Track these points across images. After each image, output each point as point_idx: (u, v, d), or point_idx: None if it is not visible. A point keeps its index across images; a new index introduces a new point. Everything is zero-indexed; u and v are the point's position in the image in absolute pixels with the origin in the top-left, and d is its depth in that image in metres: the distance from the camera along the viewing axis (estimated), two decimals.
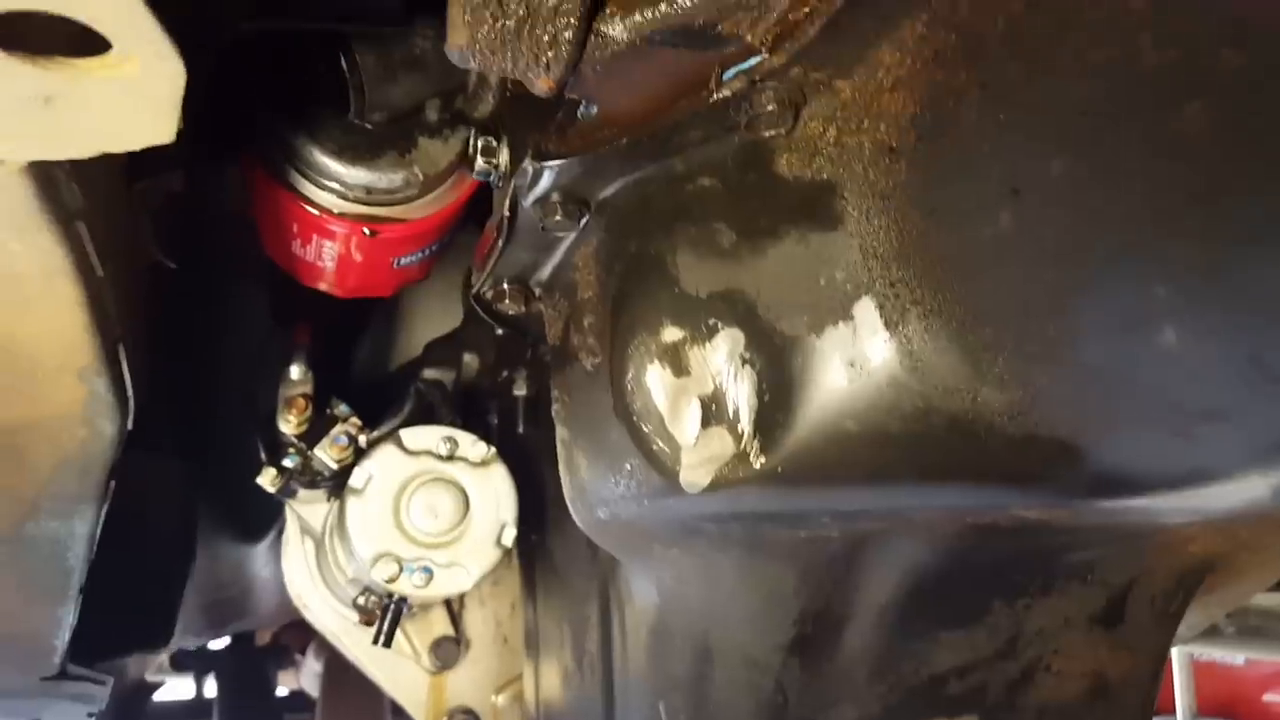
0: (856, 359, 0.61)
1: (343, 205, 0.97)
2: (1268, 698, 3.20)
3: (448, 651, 1.48)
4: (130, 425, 0.86)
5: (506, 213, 0.77)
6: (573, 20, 0.53)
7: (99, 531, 0.98)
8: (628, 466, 0.76)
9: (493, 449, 1.22)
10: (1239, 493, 0.64)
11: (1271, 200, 0.45)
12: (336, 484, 1.25)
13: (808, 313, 0.63)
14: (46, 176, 0.57)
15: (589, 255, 0.80)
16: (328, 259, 1.04)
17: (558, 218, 0.74)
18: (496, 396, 1.38)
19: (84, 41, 0.44)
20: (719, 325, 0.68)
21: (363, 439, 1.22)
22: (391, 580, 1.16)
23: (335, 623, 1.44)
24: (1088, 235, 0.49)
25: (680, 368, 0.70)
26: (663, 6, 0.54)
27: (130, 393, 0.83)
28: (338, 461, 1.21)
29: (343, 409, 1.24)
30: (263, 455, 1.23)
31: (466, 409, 1.33)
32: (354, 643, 1.45)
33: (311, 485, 1.25)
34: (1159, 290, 0.49)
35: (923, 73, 0.53)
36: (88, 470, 0.89)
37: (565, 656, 1.29)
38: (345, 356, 1.55)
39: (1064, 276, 0.51)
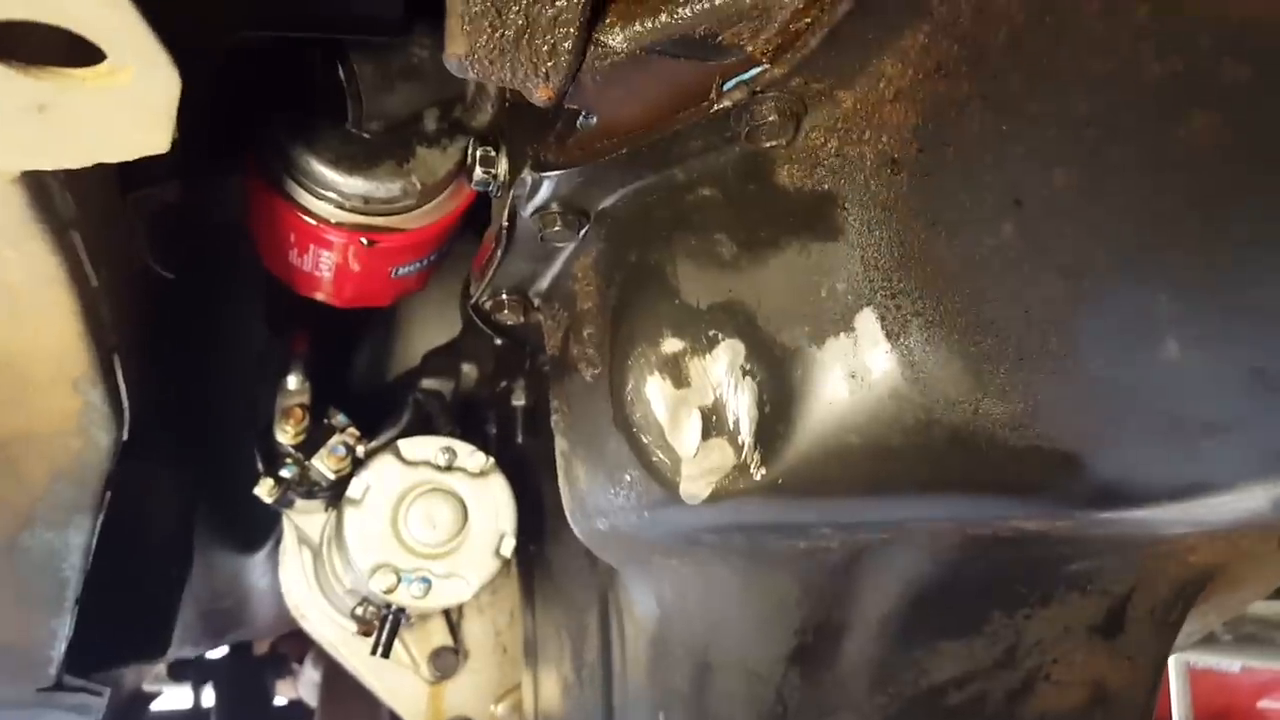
0: (858, 370, 0.61)
1: (340, 215, 0.96)
2: (1262, 704, 3.20)
3: (446, 661, 1.47)
4: (126, 435, 0.85)
5: (505, 223, 0.76)
6: (572, 30, 0.52)
7: (95, 542, 0.97)
8: (627, 478, 0.76)
9: (491, 459, 1.21)
10: (1240, 503, 0.63)
11: (1274, 211, 0.44)
12: (334, 494, 1.25)
13: (809, 324, 0.63)
14: (40, 186, 0.57)
15: (588, 266, 0.79)
16: (325, 269, 1.04)
17: (557, 228, 0.74)
18: (494, 406, 1.38)
19: (78, 51, 0.44)
20: (719, 336, 0.67)
21: (360, 449, 1.22)
22: (390, 591, 1.15)
23: (333, 633, 1.43)
24: (1090, 246, 0.49)
25: (680, 379, 0.70)
26: (663, 17, 0.54)
27: (126, 403, 0.82)
28: (335, 472, 1.20)
29: (340, 419, 1.23)
30: (260, 466, 1.23)
31: (464, 419, 1.32)
32: (352, 653, 1.45)
33: (309, 495, 1.25)
34: (1162, 302, 0.48)
35: (925, 83, 0.53)
36: (83, 481, 0.89)
37: (564, 666, 1.29)
38: (342, 365, 1.54)
39: (1067, 287, 0.51)
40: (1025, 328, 0.54)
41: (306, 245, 1.01)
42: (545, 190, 0.71)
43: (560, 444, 0.88)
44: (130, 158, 0.49)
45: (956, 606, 0.84)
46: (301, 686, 2.44)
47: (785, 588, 0.81)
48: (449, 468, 1.20)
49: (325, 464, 1.21)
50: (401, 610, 1.19)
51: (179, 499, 1.41)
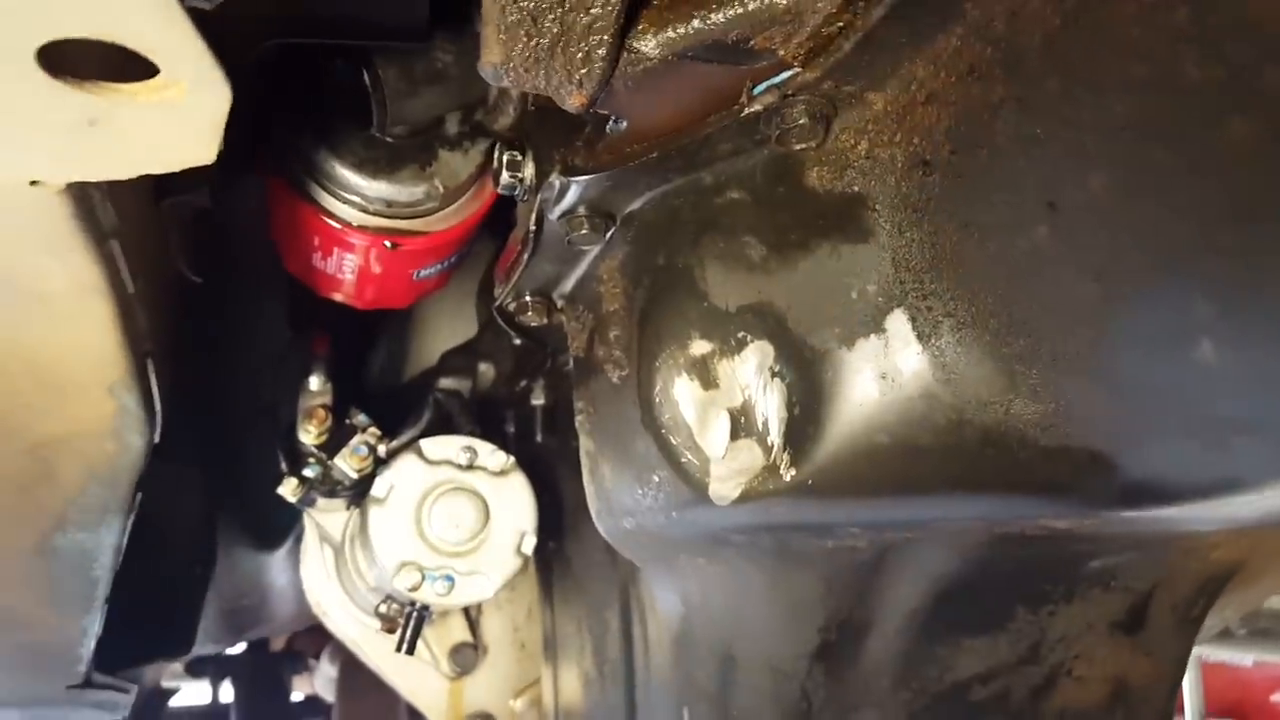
0: (888, 372, 0.61)
1: (363, 218, 0.97)
2: (1275, 698, 3.20)
3: (466, 657, 1.48)
4: (158, 438, 0.86)
5: (533, 226, 0.77)
6: (606, 37, 0.53)
7: (125, 542, 0.98)
8: (655, 478, 0.76)
9: (511, 458, 1.22)
10: (1268, 502, 0.64)
11: None
12: (356, 493, 1.26)
13: (839, 325, 0.63)
14: (83, 196, 0.57)
15: (614, 268, 0.80)
16: (347, 271, 1.05)
17: (584, 231, 0.74)
18: (513, 405, 1.39)
19: (129, 64, 0.44)
20: (748, 338, 0.68)
21: (382, 449, 1.23)
22: (414, 589, 1.16)
23: (355, 630, 1.45)
24: (1126, 249, 0.49)
25: (709, 380, 0.70)
26: (696, 22, 0.54)
27: (159, 406, 0.83)
28: (358, 471, 1.21)
29: (361, 419, 1.24)
30: (283, 466, 1.24)
31: (483, 417, 1.33)
32: (373, 649, 1.46)
33: (331, 495, 1.26)
34: (1197, 304, 0.48)
35: (957, 86, 0.54)
36: (115, 483, 0.90)
37: (585, 662, 1.30)
38: (360, 365, 1.55)
39: (1101, 290, 0.51)
40: (1058, 329, 0.55)
41: (330, 248, 1.01)
42: (573, 194, 0.72)
43: (586, 444, 0.89)
44: (177, 169, 0.50)
45: (981, 603, 0.84)
46: (318, 682, 2.46)
47: (811, 585, 0.82)
48: (470, 466, 1.21)
49: (348, 463, 1.22)
50: (426, 607, 1.20)
51: (202, 498, 1.43)
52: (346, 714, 2.04)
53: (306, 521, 1.42)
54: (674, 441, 0.73)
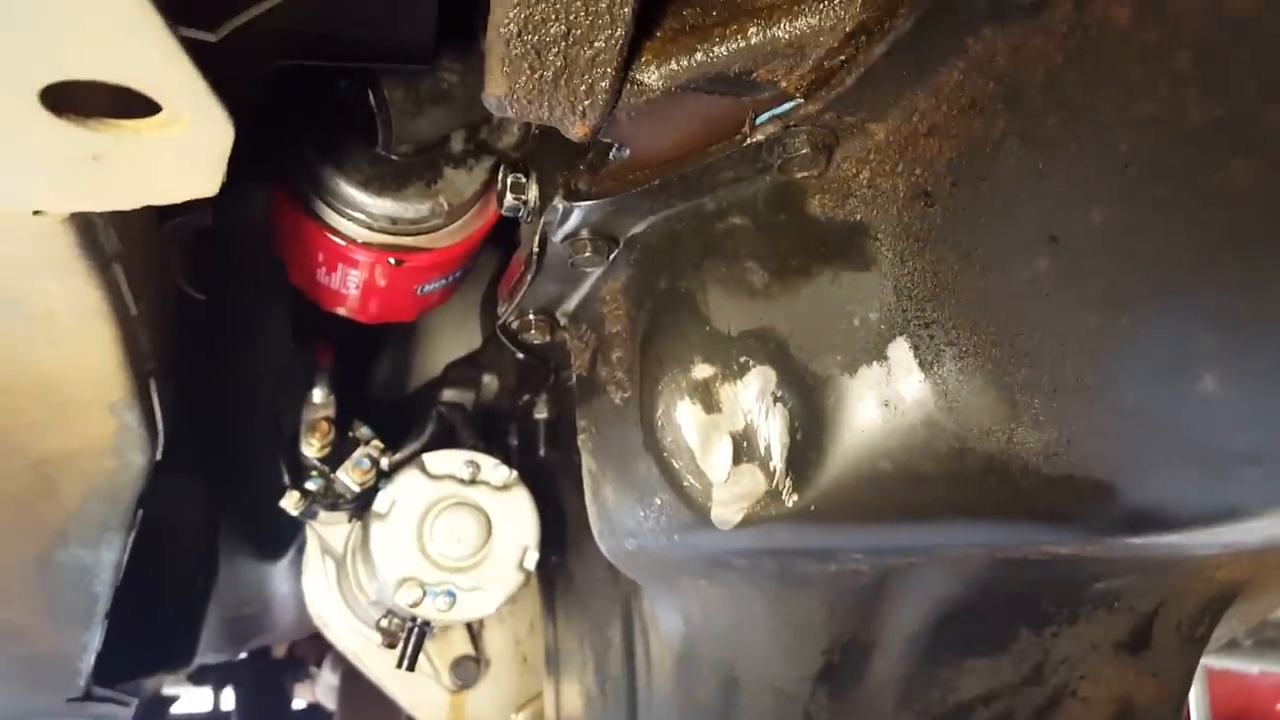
0: (891, 399, 0.61)
1: (368, 235, 0.97)
2: None
3: (468, 671, 1.48)
4: (160, 456, 0.86)
5: (536, 248, 0.77)
6: (609, 70, 0.53)
7: (126, 558, 0.99)
8: (658, 501, 0.76)
9: (514, 473, 1.22)
10: (1272, 529, 0.64)
11: None
12: (358, 506, 1.26)
13: (841, 352, 0.63)
14: (86, 224, 0.58)
15: (617, 290, 0.80)
16: (352, 286, 1.05)
17: (587, 254, 0.74)
18: (516, 419, 1.39)
19: (132, 100, 0.45)
20: (750, 363, 0.68)
21: (385, 462, 1.23)
22: (415, 604, 1.16)
23: (356, 642, 1.45)
24: (1127, 283, 0.49)
25: (711, 404, 0.70)
26: (699, 55, 0.54)
27: (160, 425, 0.83)
28: (360, 484, 1.21)
29: (364, 431, 1.24)
30: (286, 478, 1.24)
31: (486, 431, 1.33)
32: (375, 662, 1.46)
33: (333, 507, 1.26)
34: (1199, 338, 0.48)
35: (959, 119, 0.54)
36: (116, 500, 0.90)
37: (587, 678, 1.29)
38: (363, 377, 1.55)
39: (1103, 322, 0.51)
40: (1060, 359, 0.55)
41: (335, 264, 1.02)
42: (576, 218, 0.72)
43: (588, 464, 0.89)
44: (179, 201, 0.50)
45: (984, 625, 0.84)
46: (319, 690, 2.46)
47: (813, 608, 0.82)
48: (473, 481, 1.21)
49: (350, 477, 1.22)
50: (427, 623, 1.20)
51: (204, 510, 1.43)
52: None
53: (308, 533, 1.42)
54: (676, 465, 0.73)
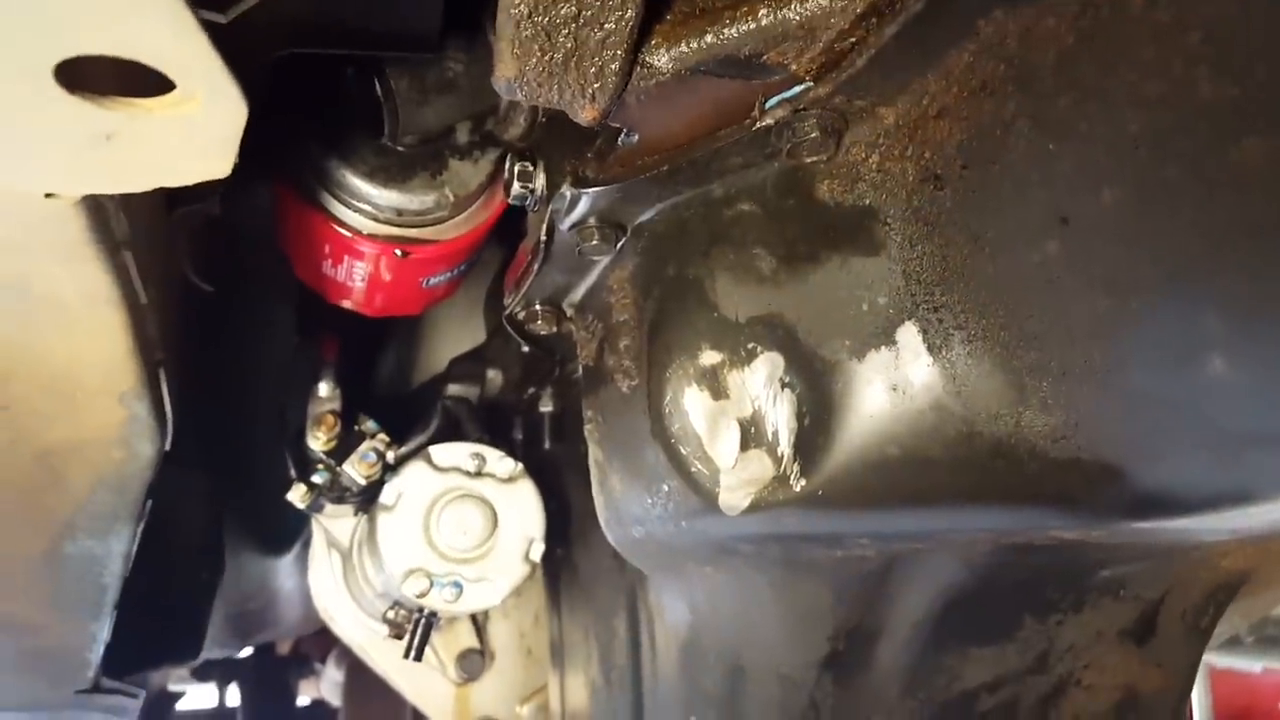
0: (899, 383, 0.61)
1: (373, 226, 0.97)
2: None
3: (473, 663, 1.48)
4: (168, 446, 0.86)
5: (544, 237, 0.77)
6: (620, 52, 0.53)
7: (134, 549, 0.99)
8: (665, 488, 0.76)
9: (520, 465, 1.22)
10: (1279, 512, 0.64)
11: None
12: (364, 499, 1.26)
13: (849, 337, 0.63)
14: (97, 208, 0.58)
15: (624, 278, 0.80)
16: (357, 279, 1.05)
17: (594, 241, 0.74)
18: (521, 412, 1.39)
19: (145, 78, 0.45)
20: (758, 349, 0.68)
21: (390, 455, 1.23)
22: (422, 595, 1.16)
23: (362, 635, 1.45)
24: (1138, 265, 0.49)
25: (719, 391, 0.71)
26: (709, 37, 0.54)
27: (169, 415, 0.83)
28: (366, 478, 1.21)
29: (370, 425, 1.25)
30: (292, 472, 1.24)
31: (491, 424, 1.33)
32: (381, 655, 1.46)
33: (339, 500, 1.26)
34: (1208, 320, 0.49)
35: (969, 101, 0.54)
36: (125, 490, 0.90)
37: (592, 669, 1.30)
38: (370, 370, 1.55)
39: (1112, 304, 0.51)
40: (1069, 342, 0.55)
41: (340, 256, 1.02)
42: (584, 205, 0.72)
43: (595, 453, 0.89)
44: (192, 182, 0.50)
45: (989, 612, 0.84)
46: (324, 686, 2.46)
47: (819, 595, 0.82)
48: (479, 473, 1.21)
49: (356, 470, 1.22)
50: (434, 614, 1.21)
51: (210, 503, 1.43)
52: (353, 718, 2.05)
53: (314, 527, 1.42)
54: (684, 451, 0.73)
